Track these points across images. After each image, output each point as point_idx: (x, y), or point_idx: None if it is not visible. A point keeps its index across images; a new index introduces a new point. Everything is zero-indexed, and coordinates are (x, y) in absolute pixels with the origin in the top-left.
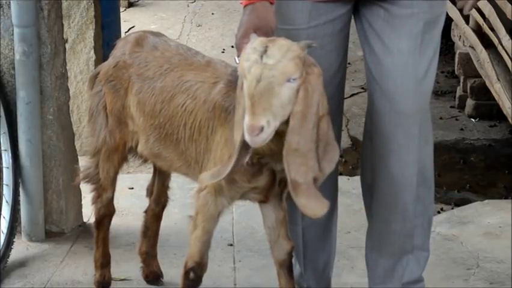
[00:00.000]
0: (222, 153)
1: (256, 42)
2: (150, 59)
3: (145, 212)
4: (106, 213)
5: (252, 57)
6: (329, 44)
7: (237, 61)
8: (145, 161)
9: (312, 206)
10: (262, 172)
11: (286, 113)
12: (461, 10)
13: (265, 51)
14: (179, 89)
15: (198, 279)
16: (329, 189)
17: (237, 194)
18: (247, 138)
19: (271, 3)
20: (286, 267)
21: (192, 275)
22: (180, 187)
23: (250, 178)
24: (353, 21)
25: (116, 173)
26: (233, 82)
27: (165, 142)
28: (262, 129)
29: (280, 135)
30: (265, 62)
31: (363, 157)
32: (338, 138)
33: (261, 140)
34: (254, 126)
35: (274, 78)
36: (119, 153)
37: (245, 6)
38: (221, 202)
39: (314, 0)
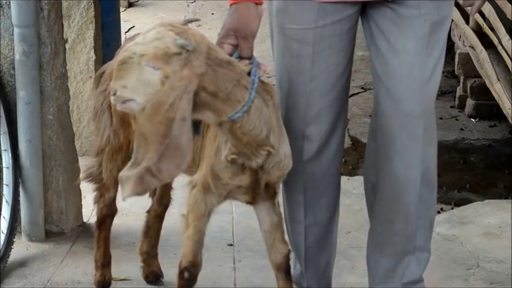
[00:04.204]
0: (210, 149)
1: (163, 23)
2: None
3: (148, 212)
4: (108, 213)
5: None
6: (336, 44)
7: None
8: None
9: (127, 184)
10: (245, 172)
11: (148, 94)
12: (461, 10)
13: (147, 31)
14: None
15: (193, 279)
16: (331, 189)
17: (224, 192)
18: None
19: (257, 4)
20: (283, 270)
21: (186, 274)
22: (180, 187)
23: (231, 175)
24: None
25: (119, 173)
26: None
27: None
28: (115, 92)
29: (232, 134)
30: (137, 40)
31: (366, 157)
32: (342, 138)
33: (113, 100)
34: (111, 87)
35: (134, 55)
36: (123, 152)
37: (231, 5)
38: (210, 200)
39: (322, 0)
